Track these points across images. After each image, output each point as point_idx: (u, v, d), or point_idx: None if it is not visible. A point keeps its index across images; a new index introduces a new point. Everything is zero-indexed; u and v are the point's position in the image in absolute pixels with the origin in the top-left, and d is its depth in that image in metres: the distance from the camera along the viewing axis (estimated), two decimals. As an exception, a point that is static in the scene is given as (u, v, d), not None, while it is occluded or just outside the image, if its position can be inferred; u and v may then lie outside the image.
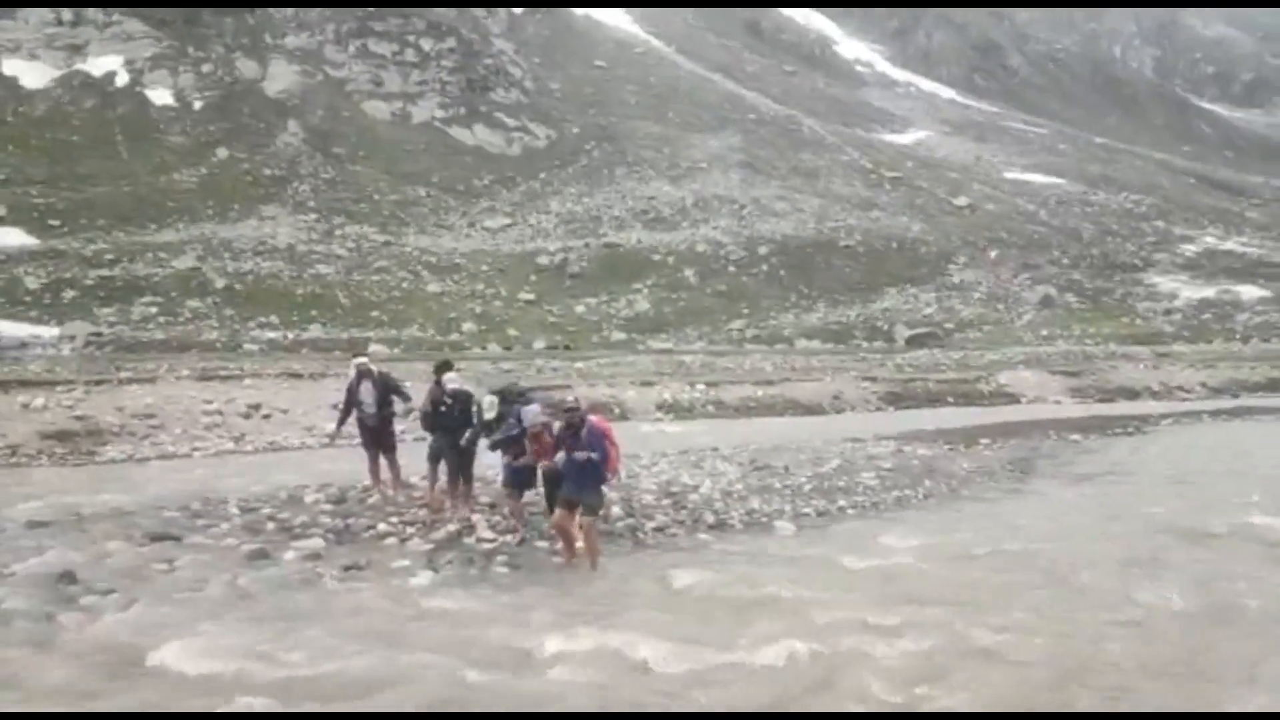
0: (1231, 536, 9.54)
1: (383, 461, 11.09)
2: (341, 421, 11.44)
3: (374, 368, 11.24)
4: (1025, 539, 9.48)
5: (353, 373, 11.14)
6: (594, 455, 7.95)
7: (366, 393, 10.79)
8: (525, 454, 8.81)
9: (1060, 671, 5.88)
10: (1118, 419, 21.87)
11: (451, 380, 10.14)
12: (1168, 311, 45.88)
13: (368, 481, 11.16)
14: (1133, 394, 29.18)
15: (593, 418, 8.31)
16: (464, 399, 9.89)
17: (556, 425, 8.33)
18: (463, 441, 9.64)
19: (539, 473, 8.93)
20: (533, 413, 8.60)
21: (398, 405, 10.97)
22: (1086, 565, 8.40)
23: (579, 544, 8.23)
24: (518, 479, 9.10)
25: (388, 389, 10.96)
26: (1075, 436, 18.37)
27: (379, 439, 10.98)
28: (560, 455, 8.07)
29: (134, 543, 8.86)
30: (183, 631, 6.41)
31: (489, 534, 9.24)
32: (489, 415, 9.27)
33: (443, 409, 9.85)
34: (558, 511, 8.19)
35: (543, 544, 8.92)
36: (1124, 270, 52.26)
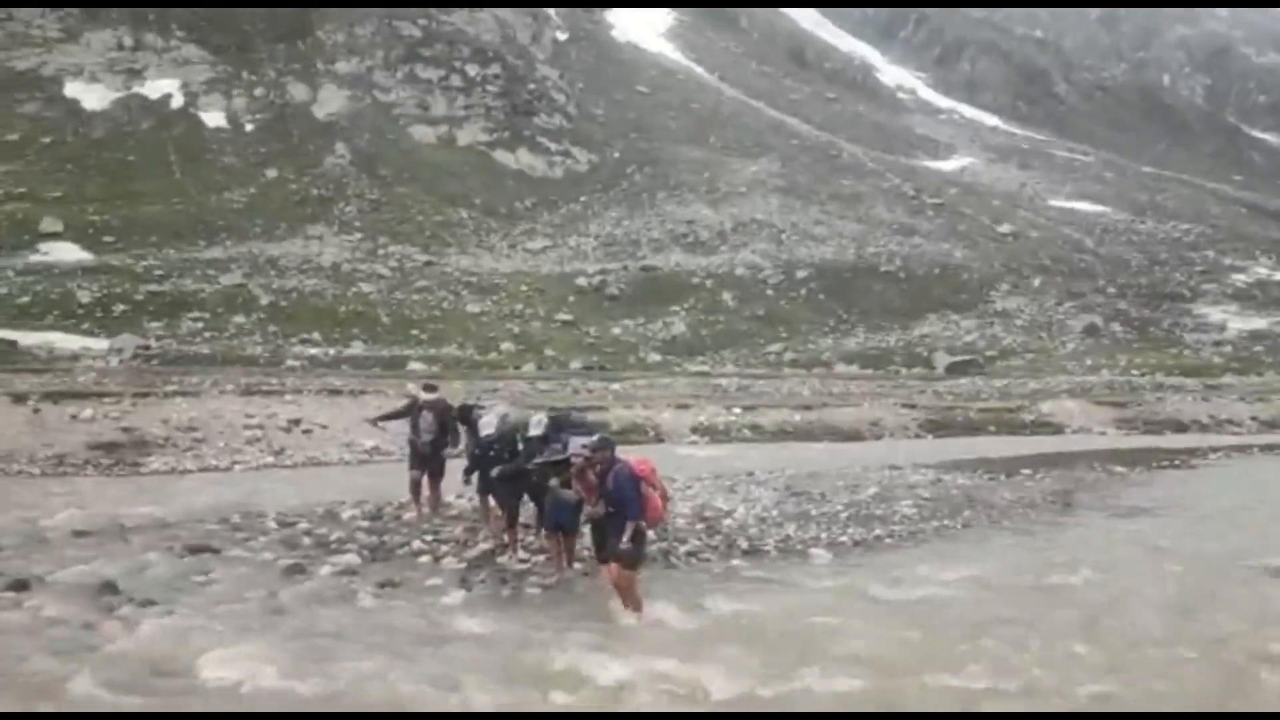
0: (1285, 576, 9.21)
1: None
2: (385, 418, 12.16)
3: (441, 402, 11.16)
4: (1067, 573, 9.24)
5: (421, 398, 11.25)
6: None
7: (425, 420, 10.88)
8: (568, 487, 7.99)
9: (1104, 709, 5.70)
10: (1165, 452, 21.32)
11: (487, 425, 9.52)
12: (1217, 343, 44.78)
13: (405, 498, 11.18)
14: (1180, 426, 28.46)
15: (632, 458, 7.57)
16: (509, 439, 9.19)
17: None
18: (494, 471, 9.02)
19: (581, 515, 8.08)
20: (577, 445, 7.71)
21: (450, 447, 10.88)
22: (1132, 602, 8.17)
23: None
24: (557, 519, 8.39)
25: (445, 426, 10.86)
26: (1120, 469, 17.94)
27: (427, 463, 10.96)
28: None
29: (174, 554, 8.99)
30: (219, 645, 6.46)
31: (522, 554, 9.23)
32: (534, 432, 8.55)
33: (491, 453, 9.26)
34: (616, 570, 7.43)
35: (577, 565, 8.87)
36: (1172, 300, 51.18)
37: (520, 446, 8.92)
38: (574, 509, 8.08)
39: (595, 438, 7.75)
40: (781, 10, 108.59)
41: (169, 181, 49.20)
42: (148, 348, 29.39)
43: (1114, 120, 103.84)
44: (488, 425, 9.46)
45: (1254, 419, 29.70)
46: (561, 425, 8.60)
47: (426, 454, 10.89)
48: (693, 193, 59.47)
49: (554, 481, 8.10)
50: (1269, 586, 8.84)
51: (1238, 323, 47.48)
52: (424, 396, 11.28)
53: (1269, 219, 71.38)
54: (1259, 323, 47.19)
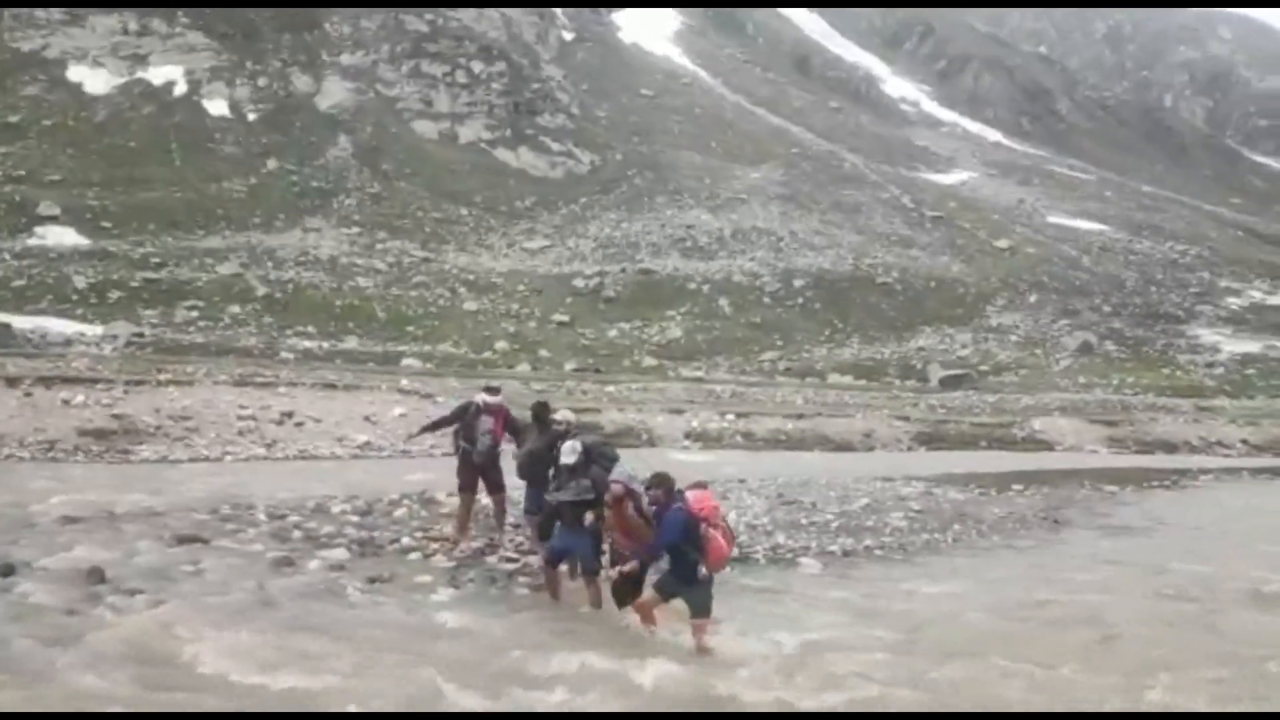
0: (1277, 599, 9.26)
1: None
2: (430, 428, 10.50)
3: (504, 408, 9.84)
4: (1057, 590, 9.28)
5: (478, 400, 9.71)
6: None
7: (484, 424, 9.44)
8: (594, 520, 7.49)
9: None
10: (1155, 472, 21.41)
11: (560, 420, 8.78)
12: (1210, 365, 44.92)
13: (396, 495, 10.91)
14: (1171, 447, 28.58)
15: (690, 495, 6.94)
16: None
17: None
18: (551, 497, 7.90)
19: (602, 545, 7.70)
20: (623, 474, 7.14)
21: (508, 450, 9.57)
22: (1123, 620, 8.19)
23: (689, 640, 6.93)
24: (562, 547, 7.79)
25: (512, 433, 9.59)
26: (1111, 487, 18.01)
27: (484, 476, 9.64)
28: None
29: (163, 543, 8.97)
30: (206, 636, 6.45)
31: (512, 554, 9.23)
32: (567, 460, 7.63)
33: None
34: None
35: (562, 567, 8.84)
36: (1166, 320, 51.34)
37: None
38: (593, 543, 7.67)
39: (651, 474, 7.00)
40: (788, 18, 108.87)
41: (169, 169, 49.06)
42: (142, 335, 29.32)
43: (1115, 139, 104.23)
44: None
45: (1244, 442, 29.83)
46: (593, 456, 7.76)
47: (483, 464, 9.49)
48: (693, 198, 59.50)
49: (588, 518, 7.44)
50: (1256, 610, 8.87)
51: (1231, 345, 47.61)
52: (483, 399, 9.73)
53: (1265, 243, 71.65)
54: (1252, 346, 47.30)
